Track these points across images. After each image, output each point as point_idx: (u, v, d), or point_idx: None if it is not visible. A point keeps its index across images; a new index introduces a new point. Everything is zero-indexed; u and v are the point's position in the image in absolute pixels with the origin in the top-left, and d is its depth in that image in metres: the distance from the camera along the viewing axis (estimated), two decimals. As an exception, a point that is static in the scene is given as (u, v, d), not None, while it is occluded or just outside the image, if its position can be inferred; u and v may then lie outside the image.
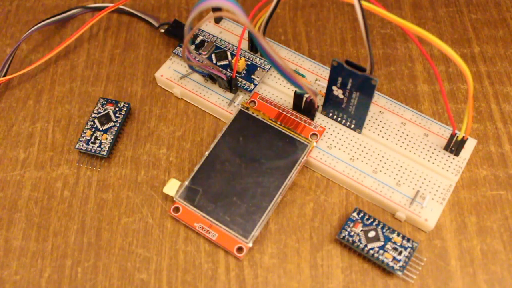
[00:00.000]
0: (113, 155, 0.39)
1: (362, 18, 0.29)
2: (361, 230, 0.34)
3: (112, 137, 0.39)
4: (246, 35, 0.42)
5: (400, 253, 0.33)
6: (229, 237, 0.34)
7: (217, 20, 0.43)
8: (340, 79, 0.35)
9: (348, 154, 0.37)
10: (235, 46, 0.41)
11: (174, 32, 0.43)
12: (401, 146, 0.37)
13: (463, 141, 0.35)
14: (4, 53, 0.45)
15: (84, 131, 0.39)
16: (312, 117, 0.38)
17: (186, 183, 0.36)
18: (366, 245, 0.34)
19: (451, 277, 0.34)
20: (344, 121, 0.38)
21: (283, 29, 0.45)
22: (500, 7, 0.45)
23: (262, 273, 0.34)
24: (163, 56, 0.44)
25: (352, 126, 0.38)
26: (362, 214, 0.35)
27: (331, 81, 0.35)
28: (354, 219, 0.35)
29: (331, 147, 0.37)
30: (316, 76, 0.40)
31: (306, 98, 0.37)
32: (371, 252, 0.33)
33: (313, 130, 0.37)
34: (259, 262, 0.35)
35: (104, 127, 0.39)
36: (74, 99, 0.42)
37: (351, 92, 0.35)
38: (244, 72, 0.40)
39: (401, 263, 0.33)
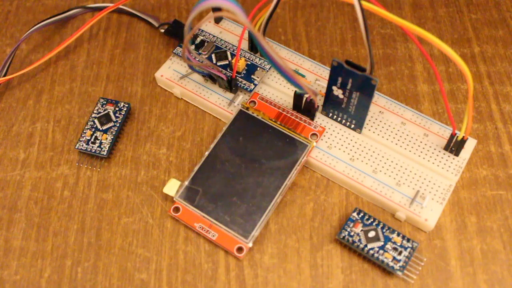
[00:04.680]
0: (113, 155, 0.39)
1: (362, 18, 0.29)
2: (361, 230, 0.34)
3: (112, 137, 0.39)
4: (246, 35, 0.42)
5: (400, 253, 0.33)
6: (229, 237, 0.34)
7: (217, 20, 0.43)
8: (340, 79, 0.35)
9: (348, 154, 0.37)
10: (235, 46, 0.41)
11: (174, 32, 0.43)
12: (401, 146, 0.37)
13: (463, 141, 0.35)
14: (4, 53, 0.45)
15: (84, 131, 0.39)
16: (312, 117, 0.38)
17: (186, 183, 0.36)
18: (366, 245, 0.34)
19: (451, 277, 0.34)
20: (344, 121, 0.38)
21: (283, 29, 0.45)
22: (500, 7, 0.45)
23: (262, 273, 0.34)
24: (163, 56, 0.44)
25: (352, 126, 0.38)
26: (362, 214, 0.35)
27: (331, 81, 0.35)
28: (354, 219, 0.35)
29: (331, 147, 0.37)
30: (316, 76, 0.40)
31: (306, 98, 0.37)
32: (371, 252, 0.33)
33: (313, 130, 0.37)
34: (259, 262, 0.35)
35: (104, 127, 0.39)
36: (74, 99, 0.42)
37: (351, 92, 0.35)
38: (244, 72, 0.40)
39: (401, 263, 0.33)
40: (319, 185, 0.37)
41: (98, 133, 0.39)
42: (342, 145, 0.37)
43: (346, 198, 0.37)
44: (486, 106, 0.40)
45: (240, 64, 0.39)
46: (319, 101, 0.38)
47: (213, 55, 0.41)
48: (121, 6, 0.44)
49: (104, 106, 0.40)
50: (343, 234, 0.34)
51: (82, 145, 0.38)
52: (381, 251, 0.33)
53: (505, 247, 0.35)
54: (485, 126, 0.39)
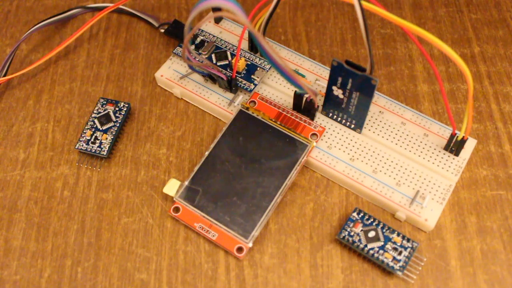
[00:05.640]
0: (113, 155, 0.39)
1: (362, 18, 0.29)
2: (361, 230, 0.34)
3: (112, 137, 0.39)
4: (246, 35, 0.42)
5: (400, 253, 0.33)
6: (229, 237, 0.34)
7: (217, 20, 0.43)
8: (340, 79, 0.35)
9: (348, 154, 0.37)
10: (235, 46, 0.41)
11: (174, 32, 0.43)
12: (401, 146, 0.37)
13: (463, 141, 0.35)
14: (4, 53, 0.45)
15: (84, 131, 0.39)
16: (312, 117, 0.38)
17: (186, 183, 0.36)
18: (366, 245, 0.34)
19: (451, 277, 0.34)
20: (344, 121, 0.38)
21: (283, 29, 0.45)
22: (500, 7, 0.45)
23: (262, 273, 0.34)
24: (163, 56, 0.44)
25: (352, 126, 0.38)
26: (362, 214, 0.35)
27: (331, 81, 0.35)
28: (354, 219, 0.35)
29: (331, 147, 0.37)
30: (316, 76, 0.40)
31: (306, 98, 0.37)
32: (371, 252, 0.33)
33: (313, 130, 0.37)
34: (259, 262, 0.35)
35: (104, 127, 0.39)
36: (74, 99, 0.42)
37: (351, 92, 0.35)
38: (244, 72, 0.40)
39: (401, 263, 0.33)
40: (319, 185, 0.37)
41: (98, 133, 0.39)
42: (342, 145, 0.37)
43: (346, 198, 0.37)
44: (486, 106, 0.40)
45: (240, 64, 0.39)
46: (319, 101, 0.38)
47: (213, 55, 0.41)
48: (121, 6, 0.44)
49: (104, 106, 0.40)
50: (343, 234, 0.34)
51: (82, 145, 0.38)
52: (381, 251, 0.33)
53: (505, 247, 0.35)
54: (485, 126, 0.39)
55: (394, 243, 0.34)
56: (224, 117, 0.40)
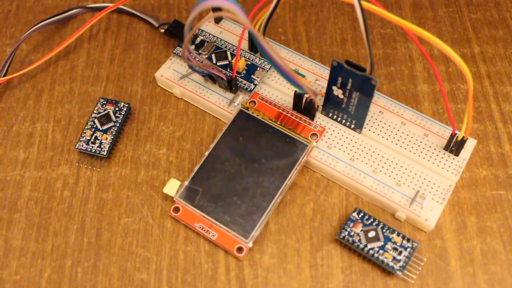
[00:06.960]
0: (113, 155, 0.39)
1: (362, 18, 0.29)
2: (361, 230, 0.34)
3: (112, 137, 0.39)
4: (246, 35, 0.42)
5: (400, 253, 0.33)
6: (229, 237, 0.34)
7: (217, 20, 0.43)
8: (340, 79, 0.35)
9: (348, 154, 0.37)
10: (235, 46, 0.41)
11: (174, 32, 0.43)
12: (401, 146, 0.37)
13: (463, 141, 0.35)
14: (4, 53, 0.45)
15: (84, 131, 0.39)
16: (312, 117, 0.38)
17: (186, 183, 0.36)
18: (366, 245, 0.34)
19: (451, 277, 0.34)
20: (344, 121, 0.38)
21: (283, 29, 0.45)
22: (500, 7, 0.45)
23: (262, 273, 0.34)
24: (163, 56, 0.44)
25: (352, 126, 0.38)
26: (362, 214, 0.35)
27: (331, 81, 0.35)
28: (354, 219, 0.35)
29: (331, 147, 0.37)
30: (316, 76, 0.40)
31: (306, 98, 0.37)
32: (371, 252, 0.33)
33: (313, 130, 0.37)
34: (259, 262, 0.35)
35: (104, 127, 0.39)
36: (74, 99, 0.42)
37: (351, 92, 0.35)
38: (244, 72, 0.40)
39: (401, 263, 0.33)
40: (319, 185, 0.37)
41: (98, 133, 0.39)
42: (342, 145, 0.37)
43: (346, 198, 0.37)
44: (486, 106, 0.40)
45: (240, 64, 0.39)
46: (319, 101, 0.38)
47: (213, 55, 0.41)
48: (121, 6, 0.44)
49: (104, 106, 0.40)
50: (343, 234, 0.34)
51: (82, 145, 0.38)
52: (381, 251, 0.33)
53: (505, 247, 0.35)
54: (485, 126, 0.39)
55: (394, 243, 0.34)
56: (224, 117, 0.40)
